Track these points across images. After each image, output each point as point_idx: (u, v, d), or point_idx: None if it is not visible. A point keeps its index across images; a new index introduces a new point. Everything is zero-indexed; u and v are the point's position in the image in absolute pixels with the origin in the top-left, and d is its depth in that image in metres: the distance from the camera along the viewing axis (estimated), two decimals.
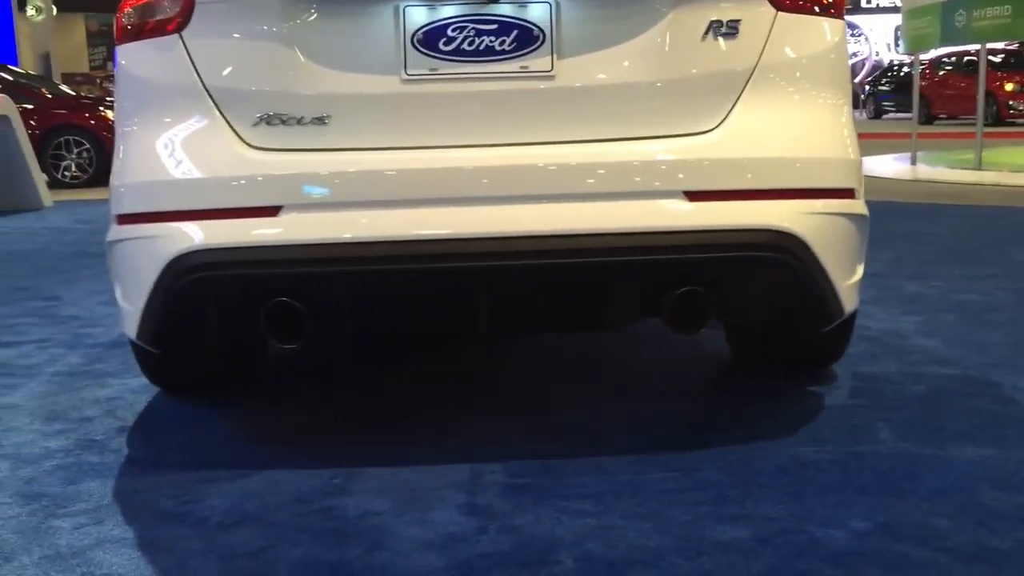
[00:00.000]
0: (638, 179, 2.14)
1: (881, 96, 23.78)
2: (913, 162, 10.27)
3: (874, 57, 30.69)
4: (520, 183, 2.12)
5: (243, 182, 2.15)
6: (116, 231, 2.30)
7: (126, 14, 2.31)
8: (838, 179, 2.26)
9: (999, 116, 17.86)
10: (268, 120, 2.19)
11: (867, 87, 24.77)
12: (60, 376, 3.09)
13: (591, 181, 2.13)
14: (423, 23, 2.16)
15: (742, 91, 2.21)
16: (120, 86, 2.35)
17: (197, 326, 2.35)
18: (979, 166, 9.31)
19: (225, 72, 2.20)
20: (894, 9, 27.77)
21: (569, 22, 2.18)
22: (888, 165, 10.44)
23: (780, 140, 2.21)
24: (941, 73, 19.73)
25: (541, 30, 2.17)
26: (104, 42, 45.57)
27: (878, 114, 23.69)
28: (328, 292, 2.21)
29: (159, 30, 2.24)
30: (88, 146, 10.80)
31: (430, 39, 2.16)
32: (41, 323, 3.89)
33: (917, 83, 11.17)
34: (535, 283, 2.23)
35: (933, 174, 9.36)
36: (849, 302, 2.32)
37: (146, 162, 2.24)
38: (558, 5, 2.17)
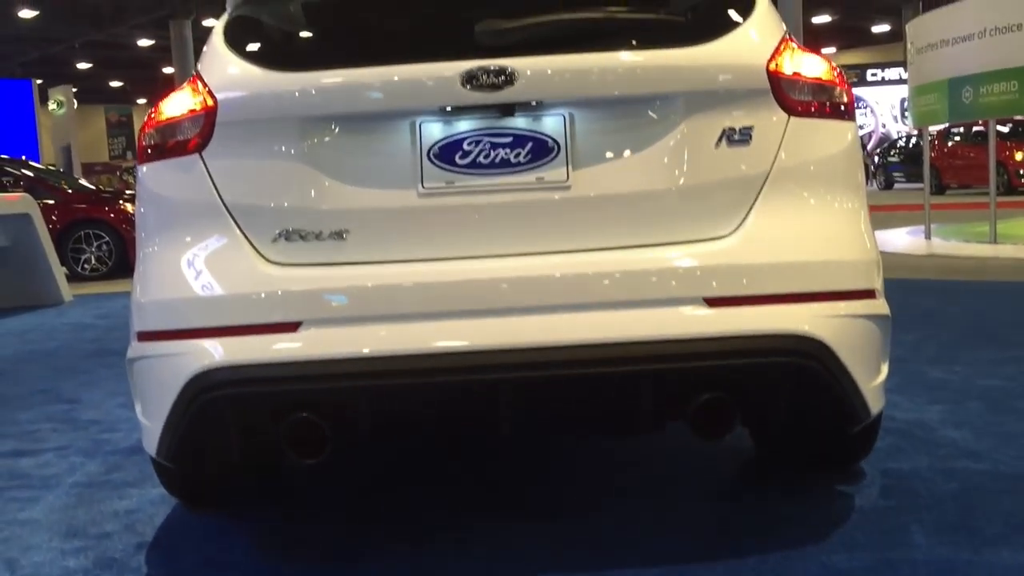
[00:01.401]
0: (656, 286, 2.13)
1: (891, 167, 23.91)
2: (927, 236, 10.26)
3: (881, 129, 30.94)
4: (539, 293, 2.12)
5: (262, 298, 2.16)
6: (136, 348, 2.31)
7: (148, 135, 2.35)
8: (858, 281, 2.25)
9: (1011, 185, 17.89)
10: (287, 236, 2.21)
11: (876, 158, 24.92)
12: (79, 487, 3.07)
13: (609, 290, 2.13)
14: (439, 138, 2.19)
15: (757, 196, 2.22)
16: (141, 204, 2.38)
17: (217, 443, 2.34)
18: (995, 239, 9.29)
19: (244, 190, 2.23)
20: (899, 81, 28.10)
21: (583, 133, 2.20)
22: (902, 239, 10.43)
23: (798, 243, 2.21)
24: (950, 144, 19.84)
25: (556, 142, 2.19)
26: (123, 132, 46.52)
27: (888, 185, 23.80)
28: (349, 407, 2.20)
29: (180, 150, 2.28)
30: (107, 239, 10.94)
31: (446, 153, 2.19)
32: (61, 428, 3.88)
33: (928, 156, 11.22)
34: (556, 394, 2.21)
35: (948, 248, 9.34)
36: (875, 404, 2.29)
37: (166, 280, 2.26)
38: (572, 117, 2.19)
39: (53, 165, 21.70)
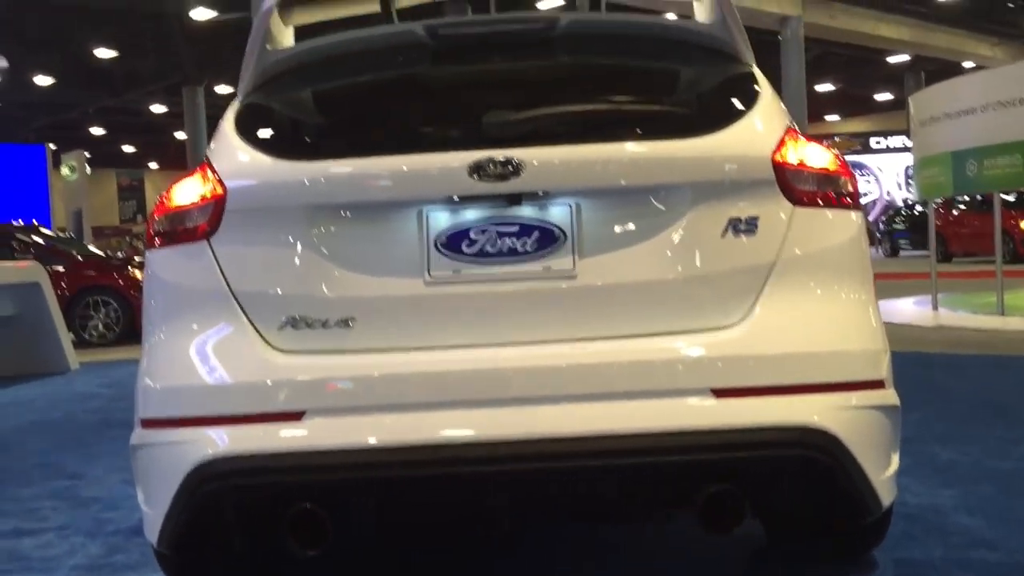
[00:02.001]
0: (663, 377, 2.12)
1: (896, 234, 23.97)
2: (934, 307, 10.23)
3: (885, 197, 31.11)
4: (545, 384, 2.11)
5: (267, 387, 2.15)
6: (140, 435, 2.30)
7: (157, 221, 2.37)
8: (867, 371, 2.23)
9: (1017, 254, 17.89)
10: (293, 323, 2.21)
11: (881, 225, 25.00)
12: (79, 570, 3.03)
13: (616, 380, 2.11)
14: (446, 227, 2.20)
15: (764, 285, 2.21)
16: (149, 290, 2.39)
17: (219, 533, 2.31)
18: (1002, 311, 9.26)
19: (252, 277, 2.24)
20: (903, 149, 28.34)
21: (590, 223, 2.21)
22: (909, 310, 10.41)
23: (805, 333, 2.20)
24: (955, 212, 19.91)
25: (562, 231, 2.20)
26: (134, 196, 47.02)
27: (894, 252, 23.84)
28: (353, 498, 2.18)
29: (189, 237, 2.29)
30: (115, 305, 10.97)
31: (453, 242, 2.20)
32: (62, 506, 3.84)
33: (933, 227, 11.25)
34: (562, 485, 2.19)
35: (956, 320, 9.31)
36: (886, 496, 2.26)
37: (172, 367, 2.26)
38: (578, 207, 2.21)
39: (63, 230, 21.86)
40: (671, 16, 2.64)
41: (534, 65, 2.52)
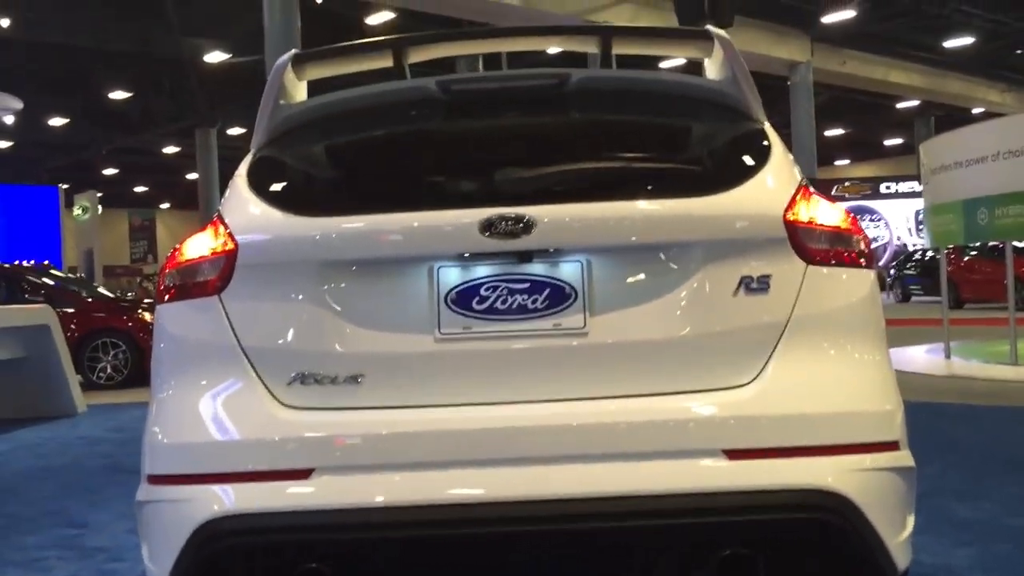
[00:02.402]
0: (675, 437, 2.10)
1: (908, 280, 23.91)
2: (947, 355, 10.17)
3: (895, 242, 31.08)
4: (556, 443, 2.09)
5: (275, 443, 2.13)
6: (146, 491, 2.27)
7: (168, 275, 2.37)
8: (882, 432, 2.20)
9: None
10: (302, 379, 2.19)
11: (892, 271, 24.96)
12: None
13: (627, 440, 2.09)
14: (457, 283, 2.19)
15: (776, 344, 2.19)
16: (158, 343, 2.38)
17: None
18: (1015, 360, 9.19)
19: (262, 333, 2.23)
20: (913, 194, 28.36)
21: (601, 280, 2.20)
22: (921, 358, 10.34)
23: (818, 394, 2.18)
24: (966, 258, 19.87)
25: (573, 288, 2.19)
26: (145, 236, 47.36)
27: (906, 298, 23.76)
28: (361, 556, 2.15)
29: (199, 291, 2.28)
30: (124, 347, 10.98)
31: (464, 298, 2.19)
32: (67, 556, 3.81)
33: (945, 275, 11.21)
34: (572, 547, 2.15)
35: (969, 369, 9.24)
36: (902, 559, 2.21)
37: (179, 422, 2.24)
38: (590, 264, 2.20)
39: (75, 269, 21.97)
40: (682, 73, 2.64)
41: (546, 121, 2.53)
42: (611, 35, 2.85)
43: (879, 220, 31.03)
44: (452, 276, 2.20)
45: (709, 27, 2.76)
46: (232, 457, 2.15)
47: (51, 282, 11.93)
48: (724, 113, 2.53)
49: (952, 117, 31.32)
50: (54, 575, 3.56)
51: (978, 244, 19.17)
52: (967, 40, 25.55)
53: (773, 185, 2.31)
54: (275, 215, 2.29)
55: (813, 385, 2.18)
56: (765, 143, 2.44)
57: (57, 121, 29.00)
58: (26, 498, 5.06)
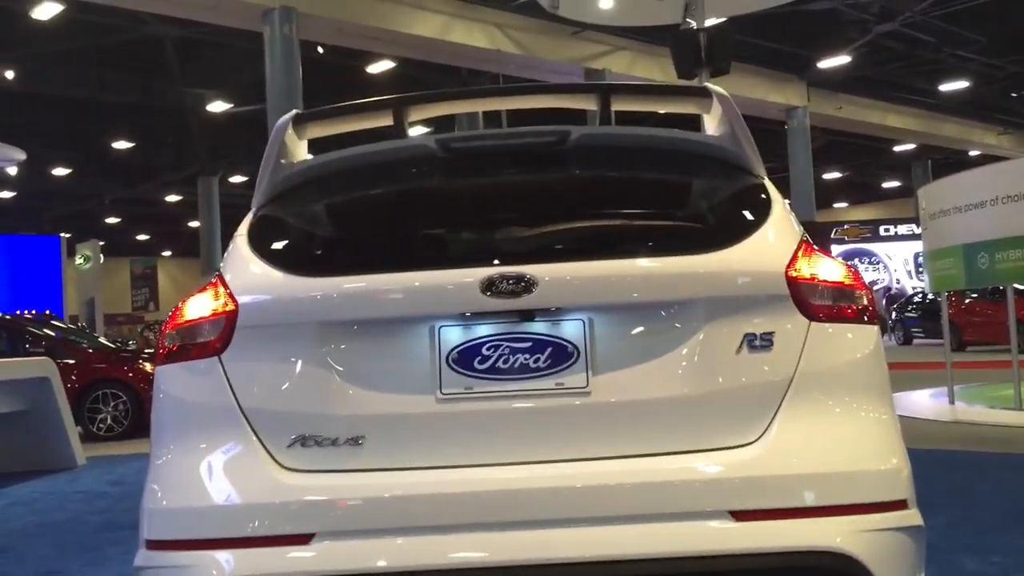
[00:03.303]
0: (679, 499, 2.07)
1: (909, 322, 23.86)
2: (951, 400, 10.11)
3: (895, 285, 31.06)
4: (559, 505, 2.06)
5: (276, 508, 2.11)
6: (144, 556, 2.24)
7: (168, 336, 2.35)
8: (889, 491, 2.17)
9: None
10: (303, 441, 2.17)
11: (894, 314, 24.92)
12: None
13: (631, 502, 2.06)
14: (458, 343, 2.18)
15: (781, 403, 2.17)
16: (157, 405, 2.36)
17: None
18: (1020, 405, 9.14)
19: (262, 394, 2.21)
20: (912, 236, 28.41)
21: (603, 338, 2.18)
22: (925, 403, 10.27)
23: (825, 452, 2.15)
24: (967, 301, 19.85)
25: (575, 347, 2.17)
26: (147, 284, 47.39)
27: (907, 340, 23.70)
28: None
29: (199, 352, 2.27)
30: (124, 398, 10.93)
31: (465, 358, 2.17)
32: None
33: (947, 320, 11.18)
34: None
35: (973, 415, 9.18)
36: None
37: (178, 486, 2.22)
38: (591, 322, 2.18)
39: (76, 320, 21.95)
40: (681, 130, 2.65)
41: (545, 179, 2.53)
42: (610, 92, 2.86)
43: (878, 263, 31.06)
44: (453, 336, 2.18)
45: (707, 84, 2.78)
46: (232, 522, 2.12)
47: (52, 333, 11.91)
48: (724, 169, 2.53)
49: (949, 160, 31.53)
50: None
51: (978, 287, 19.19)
52: (962, 84, 25.76)
53: (774, 241, 2.30)
54: (276, 275, 2.28)
55: (819, 444, 2.15)
56: (765, 198, 2.44)
57: (60, 171, 29.18)
58: (21, 557, 5.00)
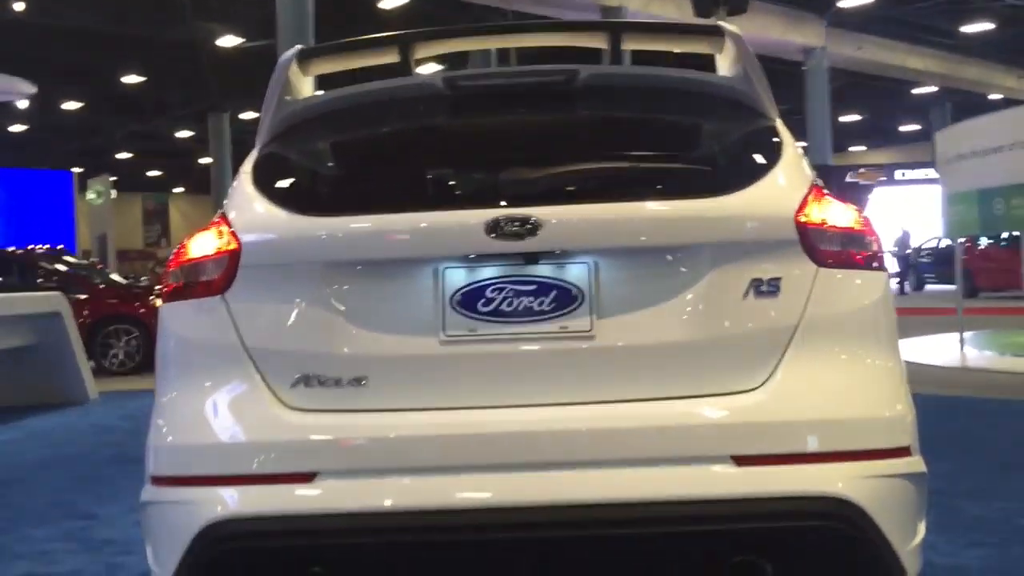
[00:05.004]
0: (682, 443, 2.07)
1: (922, 267, 23.76)
2: (961, 346, 10.09)
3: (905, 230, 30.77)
4: (561, 448, 2.06)
5: (279, 446, 2.12)
6: (149, 491, 2.27)
7: (172, 274, 2.34)
8: (893, 438, 2.17)
9: None
10: (306, 381, 2.17)
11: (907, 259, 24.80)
12: None
13: (634, 446, 2.06)
14: (462, 285, 2.16)
15: (786, 348, 2.16)
16: (162, 343, 2.36)
17: None
18: None
19: (266, 333, 2.20)
20: (929, 181, 28.12)
21: (608, 282, 2.16)
22: (935, 350, 10.25)
23: (829, 399, 2.14)
24: (981, 246, 19.72)
25: (580, 290, 2.15)
26: (159, 220, 47.48)
27: (919, 286, 23.62)
28: (365, 562, 2.13)
29: (203, 291, 2.26)
30: (137, 334, 11.01)
31: (469, 300, 2.16)
32: (75, 550, 3.82)
33: (960, 265, 11.11)
34: (578, 554, 2.13)
35: (983, 361, 9.17)
36: (912, 566, 2.18)
37: (182, 424, 2.23)
38: (597, 266, 2.16)
39: (88, 256, 22.02)
40: (693, 69, 2.60)
41: (553, 119, 2.49)
42: (620, 31, 2.81)
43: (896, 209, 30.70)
44: (457, 278, 2.17)
45: (720, 23, 2.71)
46: (236, 459, 2.14)
47: (64, 268, 11.96)
48: (735, 111, 2.49)
49: (969, 103, 31.02)
50: (62, 567, 3.56)
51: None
52: (986, 25, 25.28)
53: (784, 185, 2.27)
54: (279, 214, 2.26)
55: (823, 390, 2.14)
56: (777, 141, 2.40)
57: (70, 106, 29.06)
58: (33, 489, 5.08)
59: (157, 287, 12.27)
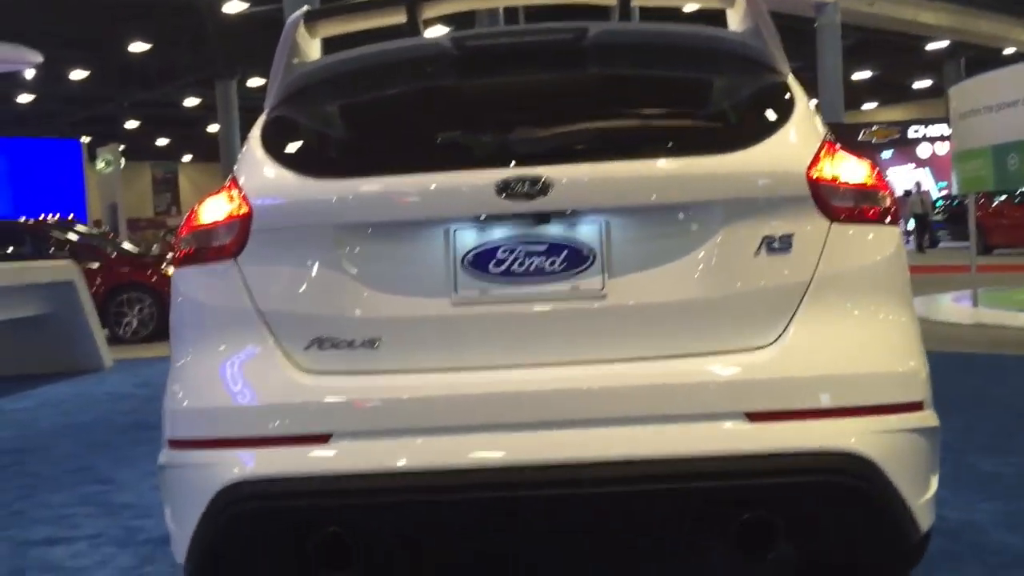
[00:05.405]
0: (695, 400, 2.07)
1: (936, 225, 23.63)
2: (974, 303, 10.05)
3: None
4: (575, 407, 2.07)
5: (293, 408, 2.13)
6: (167, 454, 2.29)
7: (184, 239, 2.35)
8: (905, 393, 2.16)
9: None
10: (319, 344, 2.18)
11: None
12: None
13: (647, 403, 2.07)
14: (473, 246, 2.16)
15: (799, 305, 2.15)
16: (176, 308, 2.37)
17: (246, 555, 2.29)
18: None
19: (278, 297, 2.21)
20: (942, 138, 27.88)
21: (619, 241, 2.16)
22: (948, 307, 10.22)
23: (841, 355, 2.14)
24: (995, 203, 19.59)
25: (591, 250, 2.15)
26: (168, 189, 47.51)
27: (933, 243, 23.50)
28: (380, 522, 2.15)
29: (215, 255, 2.27)
30: (150, 302, 11.07)
31: (480, 261, 2.16)
32: (95, 513, 3.86)
33: (973, 221, 11.04)
34: (592, 511, 2.14)
35: (996, 318, 9.13)
36: (925, 520, 2.19)
37: (198, 387, 2.24)
38: (608, 225, 2.15)
39: (99, 224, 22.07)
40: (703, 25, 2.57)
41: (563, 77, 2.47)
42: None
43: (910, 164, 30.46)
44: (468, 238, 2.16)
45: None
46: (251, 421, 2.15)
47: (75, 237, 12.00)
48: (747, 66, 2.46)
49: (983, 58, 30.65)
50: (81, 532, 3.61)
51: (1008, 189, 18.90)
52: None
53: (796, 141, 2.25)
54: (289, 178, 2.26)
55: (836, 346, 2.14)
56: (788, 97, 2.37)
57: (78, 75, 28.98)
58: (51, 455, 5.14)
59: (168, 255, 12.32)
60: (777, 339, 2.13)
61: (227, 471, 2.11)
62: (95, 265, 11.00)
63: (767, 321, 2.14)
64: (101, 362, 8.68)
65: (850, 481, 2.05)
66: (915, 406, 2.17)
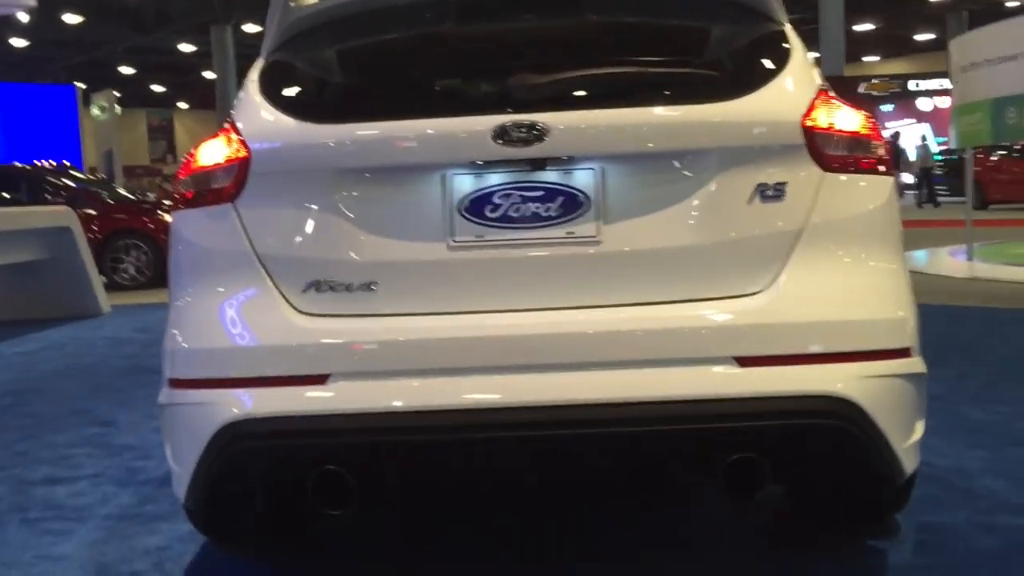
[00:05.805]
0: (686, 344, 2.11)
1: (934, 179, 23.57)
2: (969, 257, 10.08)
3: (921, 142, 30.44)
4: (568, 350, 2.11)
5: (292, 349, 2.17)
6: (167, 394, 2.33)
7: (183, 182, 2.37)
8: (894, 339, 2.21)
9: None
10: (317, 287, 2.21)
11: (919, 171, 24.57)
12: (111, 520, 3.10)
13: (639, 347, 2.11)
14: (469, 191, 2.18)
15: (791, 253, 2.18)
16: (175, 250, 2.40)
17: (246, 492, 2.34)
18: None
19: (276, 240, 2.24)
20: (943, 92, 27.68)
21: (614, 188, 2.18)
22: (943, 261, 10.25)
23: (832, 301, 2.17)
24: (994, 158, 19.53)
25: (587, 196, 2.17)
26: (164, 136, 47.21)
27: (933, 199, 23.45)
28: (376, 460, 2.20)
29: (213, 199, 2.29)
30: (146, 249, 11.07)
31: (476, 206, 2.18)
32: (95, 454, 3.92)
33: (971, 175, 11.03)
34: (583, 452, 2.20)
35: (991, 272, 9.16)
36: (910, 463, 2.24)
37: (197, 328, 2.27)
38: (603, 171, 2.18)
39: (95, 170, 21.95)
40: None
41: (560, 24, 2.48)
42: None
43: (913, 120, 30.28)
44: (465, 184, 2.18)
45: None
46: (250, 362, 2.19)
47: (71, 183, 11.96)
48: (743, 14, 2.46)
49: (986, 11, 30.32)
50: (82, 472, 3.67)
51: (1005, 144, 18.84)
52: None
53: (791, 90, 2.26)
54: (287, 122, 2.27)
55: (826, 293, 2.17)
56: (784, 45, 2.38)
57: (71, 19, 28.63)
58: (53, 398, 5.19)
59: (165, 201, 12.29)
60: (769, 285, 2.16)
61: (226, 410, 2.15)
62: (91, 211, 10.97)
63: (759, 268, 2.17)
64: (99, 307, 8.71)
65: (837, 423, 2.10)
66: (902, 352, 2.21)
